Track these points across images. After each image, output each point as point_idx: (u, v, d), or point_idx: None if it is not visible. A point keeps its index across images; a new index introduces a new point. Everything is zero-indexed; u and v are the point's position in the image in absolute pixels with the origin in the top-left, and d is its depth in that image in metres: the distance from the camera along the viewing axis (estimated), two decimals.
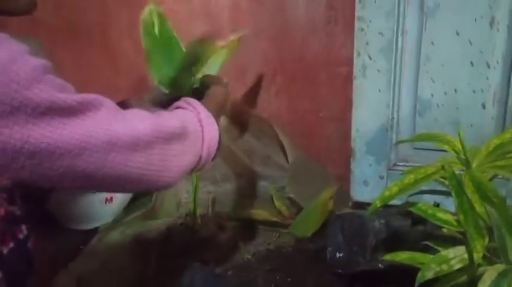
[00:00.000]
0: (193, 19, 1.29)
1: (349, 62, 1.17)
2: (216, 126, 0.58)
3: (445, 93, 0.96)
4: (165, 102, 0.77)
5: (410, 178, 0.62)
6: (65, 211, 1.10)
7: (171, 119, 0.52)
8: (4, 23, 1.35)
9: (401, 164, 1.04)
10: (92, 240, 1.09)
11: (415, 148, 1.02)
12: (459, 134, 0.61)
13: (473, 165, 0.61)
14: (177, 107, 0.59)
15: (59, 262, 0.98)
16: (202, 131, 0.56)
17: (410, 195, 0.67)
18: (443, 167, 0.60)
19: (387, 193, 0.63)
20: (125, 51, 1.37)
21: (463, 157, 0.61)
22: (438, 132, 0.67)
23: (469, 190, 0.56)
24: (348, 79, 1.17)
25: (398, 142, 1.00)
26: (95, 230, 1.13)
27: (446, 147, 0.63)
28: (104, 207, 1.12)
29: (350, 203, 1.14)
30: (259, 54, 1.28)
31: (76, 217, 1.11)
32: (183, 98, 0.61)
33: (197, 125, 0.56)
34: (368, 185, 1.08)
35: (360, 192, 1.09)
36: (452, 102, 0.96)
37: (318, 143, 1.29)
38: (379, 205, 0.63)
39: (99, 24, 1.35)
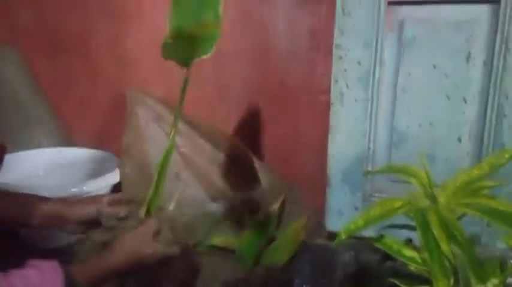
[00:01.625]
0: None
1: (329, 91, 1.16)
2: None
3: (420, 125, 0.95)
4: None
5: (376, 211, 0.60)
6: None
7: None
8: None
9: (376, 195, 1.02)
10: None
11: (391, 181, 1.00)
12: (424, 167, 0.59)
13: (441, 201, 0.59)
14: (36, 267, 0.56)
15: None
16: None
17: (384, 227, 0.65)
18: (410, 202, 0.58)
19: (353, 226, 0.61)
20: (105, 65, 1.35)
21: (430, 191, 0.59)
22: (407, 165, 0.65)
23: (435, 227, 0.53)
24: (328, 107, 1.16)
25: (366, 173, 0.98)
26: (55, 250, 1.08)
27: (413, 180, 0.61)
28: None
29: (324, 233, 1.11)
30: (240, 77, 1.27)
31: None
32: (52, 263, 0.57)
33: None
34: (343, 215, 1.05)
35: (335, 222, 1.07)
36: (428, 135, 0.95)
37: (295, 169, 1.27)
38: (344, 237, 0.61)
39: (80, 36, 1.34)
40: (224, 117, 1.30)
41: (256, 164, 1.23)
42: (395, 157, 0.98)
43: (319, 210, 1.15)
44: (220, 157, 1.30)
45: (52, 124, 1.36)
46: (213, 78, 1.28)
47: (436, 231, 0.53)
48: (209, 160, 1.31)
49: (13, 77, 1.33)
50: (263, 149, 1.28)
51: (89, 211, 0.76)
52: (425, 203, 0.59)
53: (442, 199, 0.59)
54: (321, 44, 1.18)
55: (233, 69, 1.25)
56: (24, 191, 0.95)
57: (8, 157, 1.20)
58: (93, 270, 0.64)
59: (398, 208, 0.58)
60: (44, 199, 0.76)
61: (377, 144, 1.00)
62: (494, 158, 0.60)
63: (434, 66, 0.91)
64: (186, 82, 0.81)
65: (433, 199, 0.58)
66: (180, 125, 1.31)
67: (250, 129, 1.30)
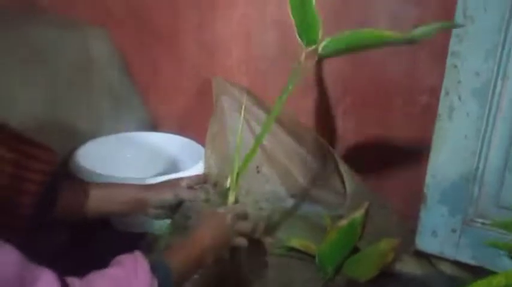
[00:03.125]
0: (265, 29, 1.21)
1: (431, 91, 1.05)
2: None
3: None
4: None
5: (500, 281, 0.52)
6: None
7: None
8: (76, 11, 1.35)
9: (479, 220, 0.92)
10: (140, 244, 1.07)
11: (499, 206, 0.89)
12: None
13: None
14: (118, 264, 0.53)
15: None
16: None
17: None
18: None
19: None
20: (190, 53, 1.33)
21: None
22: None
23: None
24: (427, 109, 1.06)
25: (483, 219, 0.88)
26: (143, 235, 1.11)
27: None
28: None
29: (412, 250, 1.04)
30: (329, 70, 1.18)
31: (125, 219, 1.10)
32: (135, 254, 0.55)
33: None
34: (437, 236, 0.97)
35: (427, 242, 0.98)
36: None
37: (384, 175, 1.19)
38: None
39: (167, 23, 1.32)
40: (310, 113, 1.23)
41: (341, 166, 1.17)
42: (509, 182, 0.87)
43: (408, 224, 1.08)
44: (303, 152, 1.25)
45: (139, 109, 1.38)
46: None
47: None
48: (291, 154, 1.27)
49: (104, 59, 1.35)
50: (349, 150, 1.21)
51: (167, 194, 0.77)
52: None
53: None
54: (427, 40, 1.05)
55: (326, 64, 1.17)
56: (110, 175, 0.99)
57: (95, 141, 1.24)
58: (184, 251, 0.64)
59: None
60: (122, 185, 0.77)
61: (488, 166, 0.88)
62: None
63: None
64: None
65: None
66: (263, 116, 1.27)
67: (336, 128, 1.22)
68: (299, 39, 0.80)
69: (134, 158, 1.32)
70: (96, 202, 0.71)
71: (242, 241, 0.76)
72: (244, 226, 0.77)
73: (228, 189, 0.81)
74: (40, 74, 1.16)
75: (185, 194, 0.79)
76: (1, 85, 1.06)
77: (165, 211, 0.80)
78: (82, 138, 1.21)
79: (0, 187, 0.56)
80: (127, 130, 1.33)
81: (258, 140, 0.87)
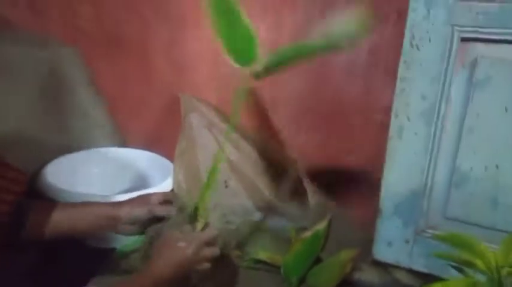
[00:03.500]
0: None
1: (386, 110, 1.12)
2: None
3: (486, 167, 0.90)
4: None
5: None
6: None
7: None
8: (47, 28, 1.37)
9: (429, 231, 0.99)
10: (109, 259, 1.09)
11: (446, 218, 0.97)
12: (494, 258, 0.56)
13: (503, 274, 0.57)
14: None
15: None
16: None
17: None
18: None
19: None
20: (160, 70, 1.36)
21: (496, 279, 0.56)
22: (472, 239, 0.63)
23: None
24: (383, 127, 1.13)
25: (429, 231, 0.95)
26: (111, 250, 1.13)
27: (478, 262, 0.59)
28: None
29: (370, 259, 1.10)
30: (293, 89, 1.24)
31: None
32: None
33: None
34: (392, 246, 1.04)
35: (383, 252, 1.05)
36: (493, 179, 0.90)
37: (344, 188, 1.26)
38: None
39: (138, 39, 1.35)
40: (274, 129, 1.29)
41: (305, 180, 1.23)
42: (455, 197, 0.95)
43: (367, 235, 1.14)
44: (269, 168, 1.31)
45: (108, 124, 1.40)
46: (266, 89, 1.27)
47: None
48: (257, 169, 1.32)
49: (74, 76, 1.37)
50: (311, 164, 1.27)
51: (139, 210, 0.78)
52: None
53: (506, 275, 0.57)
54: (381, 63, 1.13)
55: (287, 82, 1.23)
56: (78, 192, 1.00)
57: (65, 157, 1.26)
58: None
59: None
60: (92, 204, 0.79)
61: (435, 181, 0.96)
62: None
63: (506, 109, 0.85)
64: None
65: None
66: (232, 133, 1.31)
67: (299, 144, 1.28)
68: (231, 60, 0.75)
69: (103, 174, 1.33)
70: (66, 221, 0.72)
71: (205, 266, 0.75)
72: (210, 252, 0.76)
73: (196, 211, 0.80)
74: (9, 91, 1.17)
75: (157, 210, 0.79)
76: None
77: (137, 227, 0.80)
78: (51, 154, 1.23)
79: None
80: (96, 146, 1.35)
81: (217, 160, 0.87)
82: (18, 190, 0.65)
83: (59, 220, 0.72)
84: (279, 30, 1.19)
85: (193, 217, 0.80)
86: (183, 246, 0.71)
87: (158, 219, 0.81)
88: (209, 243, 0.76)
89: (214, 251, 0.76)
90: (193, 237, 0.74)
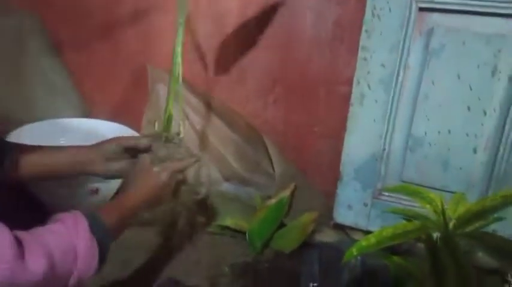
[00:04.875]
0: (202, 20, 1.27)
1: (350, 82, 1.16)
2: (95, 256, 0.56)
3: (439, 132, 0.96)
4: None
5: (389, 231, 0.63)
6: (50, 201, 1.10)
7: (36, 260, 0.49)
8: None
9: (386, 194, 1.05)
10: None
11: (403, 181, 1.03)
12: (441, 203, 0.61)
13: (452, 230, 0.62)
14: (59, 221, 0.56)
15: None
16: (76, 263, 0.54)
17: None
18: (422, 227, 0.61)
19: (364, 243, 0.64)
20: (127, 39, 1.35)
21: (442, 221, 0.61)
22: (421, 189, 0.68)
23: (445, 257, 0.57)
24: (347, 99, 1.17)
25: (384, 189, 1.00)
26: None
27: (427, 207, 0.64)
28: (90, 199, 1.12)
29: (331, 223, 1.16)
30: (261, 62, 1.27)
31: (61, 208, 1.11)
32: (74, 212, 0.58)
33: (69, 257, 0.53)
34: (351, 209, 1.09)
35: (343, 215, 1.10)
36: (444, 143, 0.96)
37: (309, 157, 1.30)
38: (355, 254, 0.64)
39: (102, 7, 1.33)
40: (242, 100, 1.31)
41: (270, 149, 1.26)
42: (410, 160, 1.00)
43: (329, 198, 1.19)
44: (236, 138, 1.33)
45: (73, 95, 1.38)
46: (234, 62, 1.29)
47: (445, 261, 0.56)
48: (224, 140, 1.34)
49: (35, 45, 1.33)
50: (278, 135, 1.30)
51: (108, 144, 0.78)
52: (436, 229, 0.62)
53: (453, 228, 0.62)
54: (345, 35, 1.17)
55: (254, 54, 1.25)
56: None
57: (29, 126, 1.24)
58: (118, 208, 0.67)
59: (411, 232, 0.61)
60: (71, 147, 0.79)
61: (392, 146, 1.01)
62: (508, 191, 0.62)
63: (459, 77, 0.91)
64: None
65: (445, 229, 0.61)
66: (197, 103, 1.33)
67: (267, 115, 1.31)
68: None
69: (67, 144, 1.31)
70: (44, 163, 0.72)
71: (179, 176, 0.78)
72: (177, 166, 0.78)
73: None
74: None
75: (125, 141, 0.78)
76: None
77: (115, 166, 0.78)
78: (15, 124, 1.20)
79: None
80: (60, 116, 1.33)
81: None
82: None
83: (37, 162, 0.72)
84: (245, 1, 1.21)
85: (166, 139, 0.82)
86: (156, 171, 0.74)
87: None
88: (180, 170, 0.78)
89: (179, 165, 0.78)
90: (162, 166, 0.76)
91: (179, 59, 0.84)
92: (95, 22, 1.34)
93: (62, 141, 1.33)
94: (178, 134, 0.85)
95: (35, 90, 1.32)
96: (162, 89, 1.32)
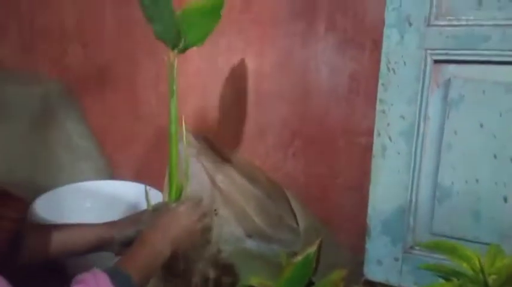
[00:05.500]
0: (219, 78, 1.31)
1: (369, 132, 1.16)
2: None
3: (466, 182, 0.94)
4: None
5: None
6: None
7: None
8: (35, 65, 1.40)
9: (417, 248, 1.01)
10: None
11: (433, 234, 1.00)
12: (479, 260, 0.59)
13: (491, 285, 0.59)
14: (81, 283, 0.56)
15: None
16: None
17: None
18: None
19: None
20: (148, 102, 1.39)
21: (482, 279, 0.59)
22: (456, 244, 0.65)
23: None
24: (367, 149, 1.17)
25: (416, 245, 0.98)
26: None
27: (464, 265, 0.61)
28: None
29: (362, 280, 1.11)
30: (279, 116, 1.29)
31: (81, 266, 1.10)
32: (94, 271, 0.58)
33: None
34: (382, 265, 1.05)
35: (373, 271, 1.07)
36: (473, 193, 0.93)
37: (332, 209, 1.28)
38: None
39: (126, 75, 1.39)
40: (262, 156, 1.32)
41: (293, 203, 1.25)
42: (439, 211, 0.98)
43: (356, 255, 1.16)
44: (257, 193, 1.32)
45: (97, 157, 1.41)
46: (253, 117, 1.31)
47: None
48: (247, 197, 1.33)
49: (61, 111, 1.39)
50: (300, 188, 1.30)
51: (131, 230, 0.78)
52: None
53: (494, 285, 0.59)
54: (361, 88, 1.19)
55: (273, 110, 1.28)
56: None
57: (54, 191, 1.26)
58: (141, 254, 0.66)
59: None
60: (89, 225, 0.79)
61: (419, 198, 0.99)
62: None
63: (482, 126, 0.90)
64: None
65: None
66: (219, 160, 1.34)
67: (287, 168, 1.31)
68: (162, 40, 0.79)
69: (93, 207, 1.33)
70: (62, 244, 0.73)
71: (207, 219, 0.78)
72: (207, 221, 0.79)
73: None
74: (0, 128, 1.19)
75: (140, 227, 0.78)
76: None
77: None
78: (40, 189, 1.23)
79: None
80: (85, 179, 1.36)
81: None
82: (17, 217, 0.66)
83: (54, 242, 0.72)
84: (260, 60, 1.25)
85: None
86: (171, 207, 0.75)
87: None
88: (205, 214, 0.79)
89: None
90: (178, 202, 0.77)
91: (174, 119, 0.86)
92: (117, 88, 1.40)
93: (88, 205, 1.35)
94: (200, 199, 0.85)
95: (60, 155, 1.36)
96: (181, 146, 1.34)
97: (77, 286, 0.55)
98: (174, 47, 0.80)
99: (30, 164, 1.22)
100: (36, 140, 1.27)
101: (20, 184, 1.16)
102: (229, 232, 1.32)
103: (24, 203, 0.68)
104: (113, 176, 1.44)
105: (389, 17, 0.92)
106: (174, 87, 0.83)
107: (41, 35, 1.42)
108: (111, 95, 1.41)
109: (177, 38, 0.79)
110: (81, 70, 1.41)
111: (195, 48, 0.82)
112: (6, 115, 1.20)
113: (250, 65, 1.25)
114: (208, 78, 1.31)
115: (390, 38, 0.93)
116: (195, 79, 1.31)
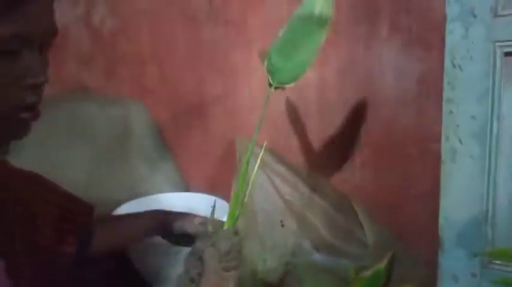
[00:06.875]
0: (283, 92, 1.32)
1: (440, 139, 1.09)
2: None
3: None
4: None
5: None
6: (142, 269, 1.16)
7: None
8: (118, 88, 1.54)
9: (498, 262, 0.91)
10: None
11: None
12: None
13: None
14: None
15: None
16: None
17: None
18: None
19: None
20: (217, 118, 1.45)
21: None
22: None
23: None
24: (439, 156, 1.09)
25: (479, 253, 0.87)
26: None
27: None
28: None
29: None
30: (346, 125, 1.25)
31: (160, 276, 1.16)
32: None
33: None
34: (458, 281, 0.96)
35: None
36: None
37: (406, 221, 1.20)
38: None
39: (196, 93, 1.46)
40: (329, 167, 1.29)
41: (361, 215, 1.19)
42: None
43: (430, 269, 1.07)
44: (324, 205, 1.29)
45: (172, 171, 1.49)
46: (318, 129, 1.29)
47: None
48: (314, 209, 1.31)
49: (139, 128, 1.50)
50: (369, 198, 1.24)
51: (189, 227, 0.74)
52: None
53: None
54: (431, 90, 1.12)
55: (338, 119, 1.25)
56: None
57: (130, 203, 1.35)
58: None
59: None
60: (146, 212, 0.82)
61: (497, 206, 0.89)
62: None
63: None
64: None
65: None
66: (285, 172, 1.34)
67: (355, 179, 1.27)
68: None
69: None
70: (127, 232, 0.79)
71: None
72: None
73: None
74: (86, 144, 1.32)
75: (191, 229, 0.74)
76: (50, 157, 1.21)
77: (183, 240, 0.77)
78: (119, 203, 1.33)
79: (45, 237, 0.65)
80: (161, 191, 1.44)
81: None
82: (86, 221, 0.73)
83: (120, 232, 0.78)
84: (322, 69, 1.24)
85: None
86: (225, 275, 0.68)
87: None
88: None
89: None
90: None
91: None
92: (189, 105, 1.48)
93: None
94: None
95: (138, 169, 1.46)
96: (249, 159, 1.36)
97: None
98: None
99: (110, 175, 1.33)
100: (115, 156, 1.38)
101: (99, 198, 1.26)
102: (296, 245, 1.30)
103: (89, 208, 0.74)
104: (187, 188, 1.51)
105: (451, 10, 0.86)
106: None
107: (122, 61, 1.56)
108: (183, 112, 1.49)
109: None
110: (157, 90, 1.52)
111: None
112: (90, 135, 1.33)
113: (313, 74, 1.25)
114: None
115: (453, 33, 0.87)
116: (257, 93, 1.34)
